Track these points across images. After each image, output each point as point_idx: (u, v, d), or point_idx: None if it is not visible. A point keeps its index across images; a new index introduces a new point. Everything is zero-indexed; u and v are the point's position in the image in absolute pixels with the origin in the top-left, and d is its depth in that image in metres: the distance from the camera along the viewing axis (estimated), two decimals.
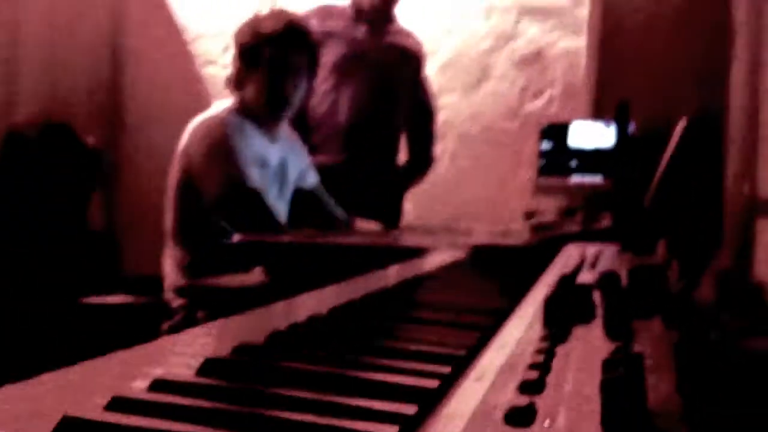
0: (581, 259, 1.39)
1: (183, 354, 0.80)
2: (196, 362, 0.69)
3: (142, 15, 3.96)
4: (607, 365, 0.69)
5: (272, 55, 2.15)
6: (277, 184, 2.23)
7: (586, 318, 0.90)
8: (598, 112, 3.91)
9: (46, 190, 3.20)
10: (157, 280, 2.17)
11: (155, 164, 2.28)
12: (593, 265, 1.33)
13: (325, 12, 2.97)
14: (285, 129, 2.32)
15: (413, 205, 4.06)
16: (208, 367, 0.68)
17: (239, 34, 2.22)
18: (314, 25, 2.70)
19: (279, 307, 1.08)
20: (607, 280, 1.05)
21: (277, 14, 2.29)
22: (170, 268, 2.14)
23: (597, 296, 1.00)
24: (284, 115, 2.26)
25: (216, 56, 3.89)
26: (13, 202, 3.14)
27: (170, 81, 3.93)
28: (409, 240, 2.05)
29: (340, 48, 2.88)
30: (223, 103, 2.20)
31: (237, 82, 2.21)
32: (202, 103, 3.79)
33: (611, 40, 3.94)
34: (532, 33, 4.04)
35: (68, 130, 3.46)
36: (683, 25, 3.86)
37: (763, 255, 2.43)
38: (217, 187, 2.03)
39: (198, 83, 3.91)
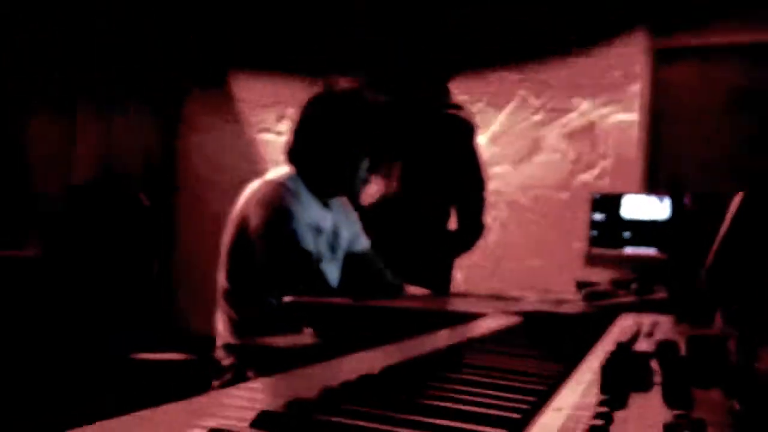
0: (637, 329, 1.37)
1: (236, 407, 0.81)
2: (249, 415, 0.69)
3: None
4: (669, 429, 0.68)
5: (338, 138, 2.17)
6: (330, 249, 2.25)
7: (644, 386, 0.89)
8: (649, 185, 3.89)
9: (107, 246, 3.29)
10: (211, 338, 2.18)
11: (210, 226, 2.32)
12: (649, 335, 1.31)
13: (378, 82, 3.04)
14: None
15: (463, 273, 4.05)
16: (262, 419, 0.69)
17: (307, 108, 2.24)
18: (366, 96, 2.76)
19: (331, 365, 1.08)
20: (666, 348, 1.04)
21: (348, 96, 2.29)
22: (222, 326, 2.16)
23: (654, 365, 0.98)
24: (344, 194, 2.29)
25: (270, 124, 4.00)
26: (76, 256, 3.23)
27: (225, 146, 4.04)
28: (460, 305, 2.04)
29: (392, 119, 2.93)
30: (280, 169, 2.23)
31: (296, 153, 2.23)
32: (255, 169, 3.89)
33: (664, 115, 3.95)
34: (584, 107, 4.06)
35: (124, 191, 3.57)
36: (736, 101, 3.84)
37: None
38: (272, 248, 2.05)
39: (252, 149, 4.01)
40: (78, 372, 2.93)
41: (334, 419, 0.72)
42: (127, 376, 2.41)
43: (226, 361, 2.12)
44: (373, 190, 2.67)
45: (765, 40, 3.81)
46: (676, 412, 0.77)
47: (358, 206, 2.43)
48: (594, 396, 0.84)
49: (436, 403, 0.84)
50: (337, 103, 2.23)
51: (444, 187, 3.13)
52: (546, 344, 1.34)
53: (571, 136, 4.09)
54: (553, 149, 4.12)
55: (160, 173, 3.94)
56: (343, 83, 2.32)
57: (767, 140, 3.75)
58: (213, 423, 0.68)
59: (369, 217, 2.63)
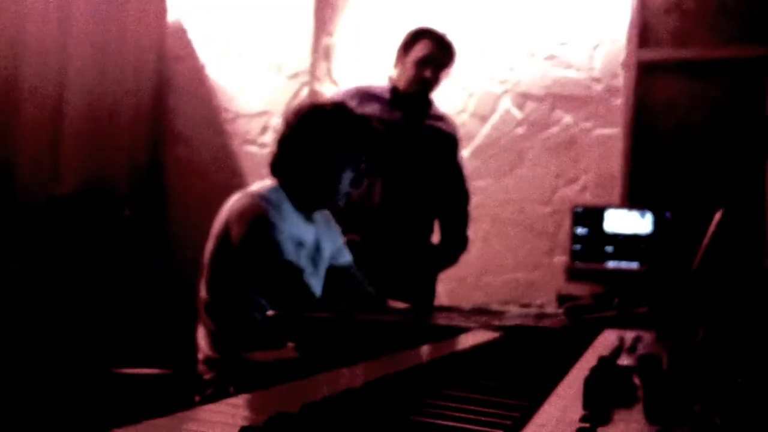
0: (620, 344, 1.37)
1: (217, 423, 0.80)
2: (230, 431, 0.69)
3: (184, 95, 4.10)
4: None
5: (324, 151, 2.17)
6: (312, 263, 2.24)
7: (627, 401, 0.90)
8: (631, 200, 3.92)
9: (80, 255, 3.26)
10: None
11: (197, 239, 2.30)
12: (632, 350, 1.32)
13: (363, 94, 3.04)
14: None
15: (445, 286, 4.05)
16: None
17: (291, 121, 2.23)
18: (353, 107, 2.77)
19: (313, 380, 1.07)
20: (648, 363, 1.04)
21: (331, 108, 2.29)
22: (203, 340, 2.14)
23: (637, 380, 0.99)
24: (326, 207, 2.29)
25: (255, 136, 3.99)
26: (55, 267, 3.20)
27: (209, 159, 4.03)
28: (441, 320, 2.03)
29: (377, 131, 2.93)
30: (264, 182, 2.23)
31: (279, 166, 2.22)
32: (239, 181, 3.88)
33: (646, 130, 3.98)
34: (566, 121, 4.09)
35: (106, 202, 3.55)
36: (719, 117, 3.88)
37: None
38: (254, 261, 2.05)
39: (236, 161, 4.00)
40: (57, 387, 2.90)
41: None
42: (107, 391, 2.39)
43: (207, 376, 2.10)
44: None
45: (749, 55, 3.86)
46: (657, 428, 0.77)
47: (340, 211, 2.42)
48: (577, 411, 0.84)
49: (418, 419, 0.84)
50: (321, 115, 2.23)
51: (427, 200, 3.13)
52: (528, 359, 1.34)
53: (555, 149, 4.11)
54: (535, 163, 4.14)
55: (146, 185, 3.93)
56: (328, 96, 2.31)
57: (749, 155, 3.79)
58: None
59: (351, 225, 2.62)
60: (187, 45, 4.12)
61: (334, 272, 2.37)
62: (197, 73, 4.08)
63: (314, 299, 2.12)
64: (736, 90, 3.85)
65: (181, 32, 4.12)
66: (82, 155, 3.51)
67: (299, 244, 2.17)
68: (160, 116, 4.06)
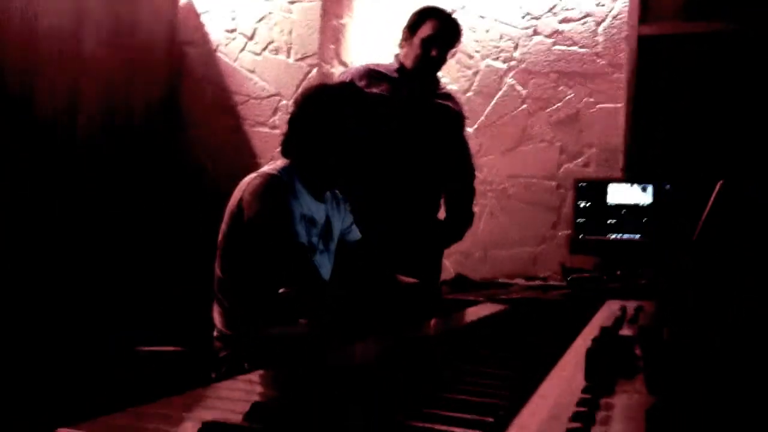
0: (622, 315, 1.41)
1: (231, 399, 0.85)
2: (244, 407, 0.73)
3: (196, 78, 4.13)
4: (650, 415, 0.71)
5: (332, 131, 2.20)
6: (323, 241, 2.28)
7: (629, 371, 0.91)
8: (633, 173, 3.94)
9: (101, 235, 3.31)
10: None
11: (212, 219, 2.34)
12: (634, 320, 1.35)
13: (371, 73, 3.06)
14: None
15: (452, 261, 4.10)
16: (256, 411, 0.72)
17: (300, 102, 2.26)
18: (361, 87, 2.79)
19: (326, 357, 1.11)
20: (648, 334, 1.07)
21: (339, 87, 2.32)
22: (217, 317, 2.19)
23: (639, 350, 1.01)
24: (336, 184, 2.32)
25: (266, 118, 4.02)
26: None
27: (222, 141, 4.07)
28: (449, 293, 2.07)
29: (385, 109, 2.96)
30: (276, 163, 2.26)
31: (291, 147, 2.26)
32: (251, 162, 3.92)
33: (648, 104, 3.99)
34: (569, 96, 4.11)
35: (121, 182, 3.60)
36: (721, 90, 3.89)
37: None
38: (266, 241, 2.08)
39: (248, 143, 4.04)
40: (75, 366, 2.96)
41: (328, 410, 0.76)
42: (125, 369, 2.44)
43: (223, 353, 2.15)
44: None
45: (750, 28, 3.85)
46: (658, 398, 0.80)
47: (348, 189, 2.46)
48: (580, 382, 0.86)
49: (429, 391, 0.88)
50: (331, 94, 2.26)
51: (433, 177, 3.16)
52: (534, 330, 1.38)
53: (558, 124, 4.14)
54: (540, 139, 4.17)
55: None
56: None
57: (750, 129, 3.80)
58: (208, 416, 0.71)
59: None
60: (198, 29, 4.13)
61: (344, 250, 2.40)
62: (209, 57, 4.11)
63: (321, 280, 2.16)
64: (738, 64, 3.86)
65: (193, 16, 4.14)
66: (98, 140, 3.55)
67: (311, 222, 2.20)
68: (173, 99, 4.09)
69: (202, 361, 2.16)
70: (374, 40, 4.34)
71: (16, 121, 3.09)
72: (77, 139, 3.41)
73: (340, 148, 2.20)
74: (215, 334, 2.19)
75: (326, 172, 2.23)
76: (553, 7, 4.17)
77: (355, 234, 2.47)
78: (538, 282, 3.21)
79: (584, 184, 3.83)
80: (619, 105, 4.03)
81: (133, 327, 3.23)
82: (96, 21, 3.49)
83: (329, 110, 2.19)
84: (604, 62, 4.07)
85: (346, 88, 2.36)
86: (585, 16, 4.12)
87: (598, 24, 4.09)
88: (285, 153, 2.26)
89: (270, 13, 4.03)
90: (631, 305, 1.59)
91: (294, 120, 2.25)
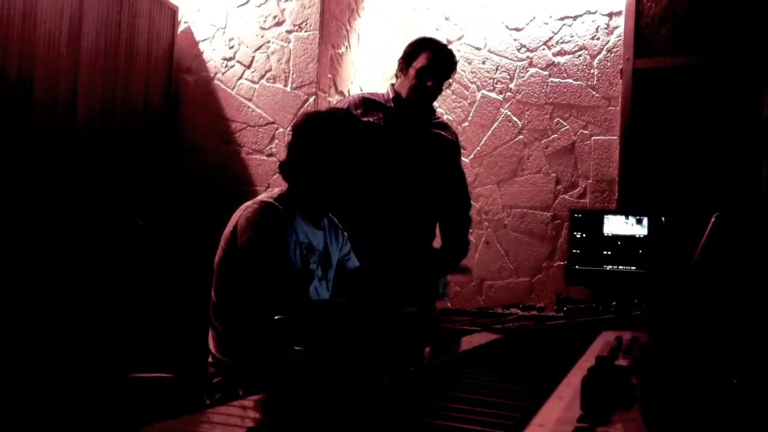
0: (617, 345, 1.41)
1: (227, 424, 0.84)
2: None
3: (194, 106, 4.15)
4: None
5: (330, 156, 2.22)
6: (322, 268, 2.29)
7: (625, 402, 0.91)
8: (628, 205, 3.96)
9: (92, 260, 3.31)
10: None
11: (208, 245, 2.35)
12: (629, 351, 1.35)
13: (367, 103, 3.08)
14: (328, 216, 2.40)
15: (448, 290, 4.10)
16: None
17: (300, 129, 2.28)
18: (357, 115, 2.81)
19: (320, 382, 1.11)
20: (644, 364, 1.07)
21: (335, 112, 2.35)
22: (212, 342, 2.18)
23: (635, 380, 1.01)
24: (334, 209, 2.34)
25: (262, 146, 4.05)
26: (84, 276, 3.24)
27: (219, 167, 4.08)
28: (445, 322, 2.07)
29: (380, 136, 2.97)
30: (273, 190, 2.28)
31: (290, 172, 2.28)
32: (248, 189, 3.93)
33: (642, 136, 4.03)
34: (565, 128, 4.14)
35: (118, 211, 3.60)
36: (714, 123, 3.93)
37: None
38: (259, 267, 2.09)
39: (245, 170, 4.06)
40: (69, 390, 2.93)
41: None
42: (120, 395, 2.43)
43: (217, 378, 2.14)
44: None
45: (743, 62, 3.90)
46: (653, 429, 0.80)
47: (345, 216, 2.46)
48: (576, 411, 0.87)
49: (424, 418, 0.88)
50: (329, 120, 2.28)
51: (429, 206, 3.17)
52: (529, 359, 1.38)
53: (554, 155, 4.16)
54: (535, 169, 4.20)
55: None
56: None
57: (744, 162, 3.84)
58: None
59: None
60: (197, 56, 4.17)
61: (342, 277, 2.41)
62: (207, 84, 4.14)
63: (314, 307, 2.15)
64: (732, 97, 3.90)
65: (191, 44, 4.18)
66: (96, 167, 3.56)
67: (309, 249, 2.21)
68: (171, 127, 4.12)
69: (196, 386, 2.15)
70: (371, 70, 4.39)
71: (15, 122, 3.10)
72: (75, 160, 3.43)
73: (337, 170, 2.22)
74: (210, 359, 2.18)
75: (323, 195, 2.25)
76: (549, 40, 4.22)
77: (354, 262, 2.48)
78: (533, 312, 3.21)
79: (580, 215, 3.85)
80: (614, 137, 4.07)
81: (124, 351, 3.22)
82: (93, 48, 3.51)
83: (328, 133, 2.22)
84: (598, 95, 4.12)
85: (342, 113, 2.39)
86: (580, 49, 4.18)
87: (593, 57, 4.14)
88: (285, 178, 2.28)
89: (268, 41, 4.07)
90: (626, 336, 1.60)
91: (292, 145, 2.27)
